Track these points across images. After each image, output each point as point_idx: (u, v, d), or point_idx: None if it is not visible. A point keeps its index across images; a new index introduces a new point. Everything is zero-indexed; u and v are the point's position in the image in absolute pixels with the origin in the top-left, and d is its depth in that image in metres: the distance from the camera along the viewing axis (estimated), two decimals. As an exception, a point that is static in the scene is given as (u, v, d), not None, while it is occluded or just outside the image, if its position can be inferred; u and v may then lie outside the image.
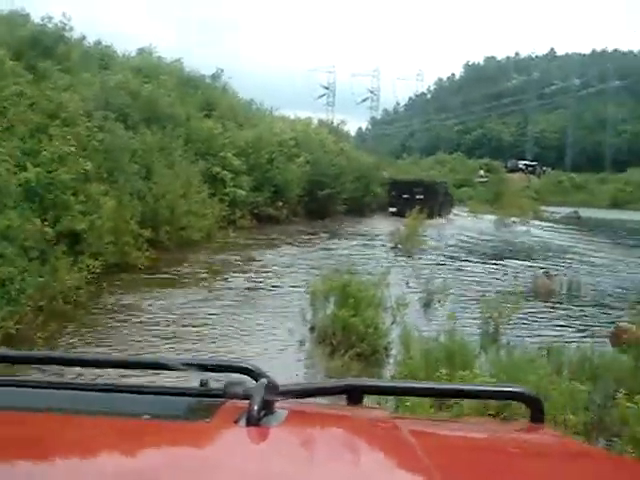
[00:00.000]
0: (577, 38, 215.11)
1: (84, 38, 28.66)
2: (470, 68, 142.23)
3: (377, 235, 28.39)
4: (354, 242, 25.94)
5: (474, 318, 12.59)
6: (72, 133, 16.70)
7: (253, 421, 1.20)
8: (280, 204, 31.01)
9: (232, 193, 27.24)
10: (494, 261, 22.72)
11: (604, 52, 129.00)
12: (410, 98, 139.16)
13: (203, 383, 1.49)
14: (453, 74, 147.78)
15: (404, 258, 21.42)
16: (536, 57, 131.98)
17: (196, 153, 27.15)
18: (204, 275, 17.08)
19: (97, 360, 1.88)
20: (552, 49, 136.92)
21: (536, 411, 1.52)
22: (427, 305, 14.11)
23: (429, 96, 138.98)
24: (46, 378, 1.53)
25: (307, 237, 27.16)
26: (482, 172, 69.45)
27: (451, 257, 23.51)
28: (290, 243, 24.58)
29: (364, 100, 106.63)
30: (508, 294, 13.46)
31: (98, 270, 14.13)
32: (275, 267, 18.93)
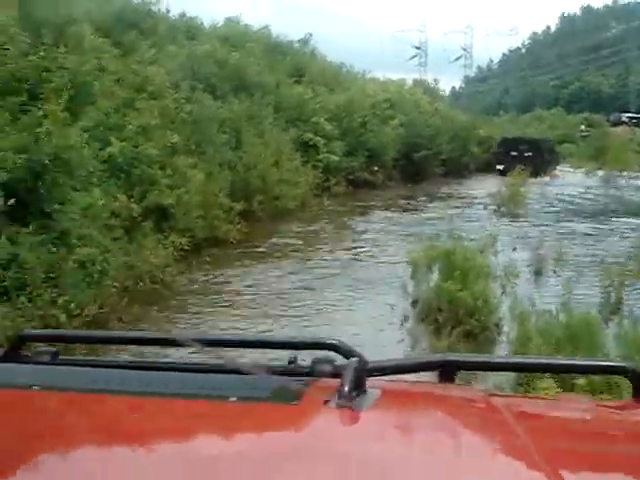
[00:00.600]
0: None
1: (169, 11, 28.07)
2: (566, 19, 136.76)
3: (478, 197, 26.95)
4: (455, 205, 24.61)
5: (592, 286, 11.21)
6: (159, 106, 16.06)
7: (344, 402, 1.12)
8: (375, 168, 29.90)
9: (325, 159, 26.27)
10: (605, 220, 21.16)
11: None
12: (504, 54, 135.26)
13: (291, 361, 1.43)
14: (548, 27, 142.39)
15: (508, 220, 20.08)
16: (637, 3, 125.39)
17: (287, 120, 26.29)
18: (299, 247, 16.25)
19: (171, 339, 1.79)
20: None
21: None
22: (538, 273, 12.79)
23: (523, 51, 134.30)
24: (119, 358, 1.77)
25: (405, 202, 26.01)
26: (583, 127, 66.44)
27: (559, 218, 22.00)
28: (387, 208, 23.49)
29: (457, 59, 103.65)
30: (628, 258, 12.12)
31: (187, 247, 13.42)
32: (373, 235, 17.94)
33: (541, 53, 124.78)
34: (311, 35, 35.12)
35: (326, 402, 1.14)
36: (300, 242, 16.82)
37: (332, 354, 1.37)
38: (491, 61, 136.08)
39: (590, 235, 18.25)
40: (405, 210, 23.19)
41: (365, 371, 1.25)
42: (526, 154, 35.33)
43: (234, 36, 29.73)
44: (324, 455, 1.03)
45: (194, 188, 15.17)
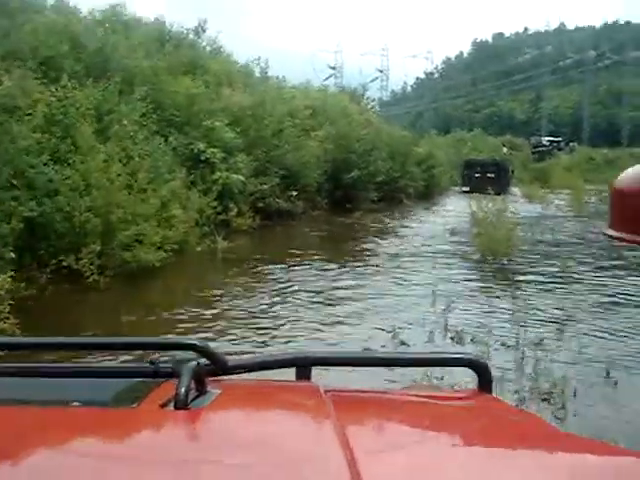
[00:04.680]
0: (587, 11, 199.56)
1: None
2: (478, 45, 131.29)
3: (436, 236, 18.16)
4: (408, 253, 15.70)
5: None
6: None
7: (180, 404, 1.10)
8: (294, 193, 20.84)
9: (223, 180, 17.08)
10: None
11: (616, 24, 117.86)
12: (418, 78, 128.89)
13: (153, 362, 1.32)
14: (461, 52, 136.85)
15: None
16: (546, 32, 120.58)
17: (168, 123, 17.07)
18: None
19: (52, 343, 1.60)
20: (562, 23, 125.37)
21: (483, 378, 1.42)
22: None
23: (437, 75, 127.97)
24: None
25: (336, 247, 16.94)
26: (505, 149, 61.24)
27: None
28: (310, 262, 14.35)
29: (373, 80, 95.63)
30: None
31: None
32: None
33: (455, 78, 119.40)
34: (206, 21, 25.47)
35: (163, 405, 1.12)
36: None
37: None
38: (405, 84, 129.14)
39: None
40: (341, 265, 13.84)
41: (209, 371, 1.23)
42: (489, 175, 34.41)
43: (111, 22, 20.48)
44: (147, 459, 0.95)
45: None
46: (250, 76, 26.16)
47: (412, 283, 11.28)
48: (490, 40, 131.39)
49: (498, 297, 10.31)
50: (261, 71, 27.23)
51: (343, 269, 12.90)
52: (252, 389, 1.41)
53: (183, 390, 1.10)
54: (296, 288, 10.81)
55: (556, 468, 1.01)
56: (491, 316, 8.97)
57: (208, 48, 25.82)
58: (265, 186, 19.28)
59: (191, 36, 25.12)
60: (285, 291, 10.72)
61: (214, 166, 17.21)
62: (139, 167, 12.44)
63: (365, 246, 16.39)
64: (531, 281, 11.85)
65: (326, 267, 12.93)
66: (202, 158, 17.16)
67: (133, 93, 15.08)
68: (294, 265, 13.15)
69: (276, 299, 10.16)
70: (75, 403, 1.15)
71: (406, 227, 20.75)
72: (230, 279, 11.47)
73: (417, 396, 1.48)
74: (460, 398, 1.49)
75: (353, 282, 11.50)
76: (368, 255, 14.97)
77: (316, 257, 14.17)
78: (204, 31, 25.58)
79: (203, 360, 1.26)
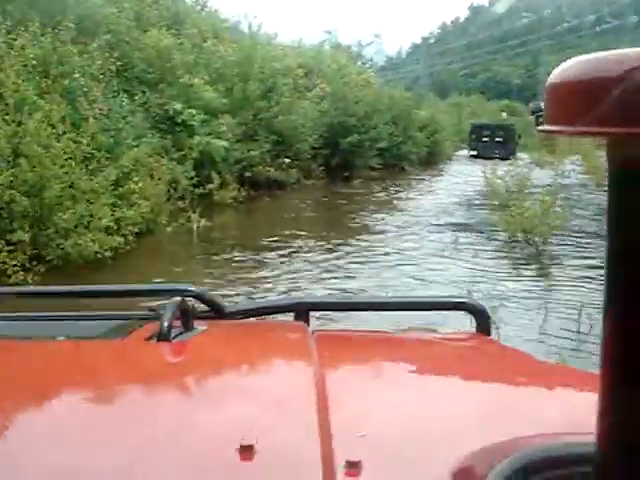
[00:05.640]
0: None
1: None
2: (475, 10, 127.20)
3: (448, 212, 15.50)
4: (412, 233, 13.02)
5: None
6: None
7: (163, 337, 1.12)
8: (286, 161, 18.14)
9: (203, 146, 14.39)
10: None
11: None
12: (413, 43, 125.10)
13: (152, 309, 1.36)
14: (458, 17, 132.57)
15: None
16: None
17: (139, 80, 14.36)
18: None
19: (51, 292, 1.71)
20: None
21: (481, 321, 1.39)
22: None
23: (433, 40, 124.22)
24: None
25: (332, 225, 14.15)
26: (505, 114, 58.49)
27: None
28: (307, 237, 11.73)
29: (369, 44, 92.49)
30: None
31: None
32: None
33: (451, 43, 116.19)
34: None
35: (148, 339, 1.15)
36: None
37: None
38: (401, 50, 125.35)
39: None
40: (339, 252, 11.09)
41: (192, 311, 1.23)
42: (497, 139, 34.54)
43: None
44: (126, 385, 1.00)
45: None
46: (238, 33, 23.27)
47: (432, 280, 8.64)
48: (487, 4, 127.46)
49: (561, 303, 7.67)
50: (250, 27, 24.23)
51: (340, 258, 10.25)
52: (238, 328, 1.42)
53: (166, 324, 1.11)
54: (281, 289, 8.14)
55: (551, 399, 1.01)
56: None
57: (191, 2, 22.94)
58: (254, 152, 16.59)
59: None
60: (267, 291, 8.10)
61: (192, 130, 14.52)
62: (90, 130, 9.71)
63: (366, 222, 13.75)
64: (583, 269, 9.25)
65: (319, 257, 10.29)
66: (178, 120, 14.46)
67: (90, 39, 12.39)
68: (281, 248, 10.58)
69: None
70: (60, 337, 1.19)
71: (413, 199, 18.05)
72: (199, 276, 8.80)
73: (412, 338, 1.49)
74: (458, 340, 1.43)
75: (352, 282, 8.81)
76: (370, 235, 12.31)
77: (309, 239, 11.52)
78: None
79: (202, 307, 1.29)
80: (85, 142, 9.28)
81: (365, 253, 10.56)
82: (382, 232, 12.60)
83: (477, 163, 28.88)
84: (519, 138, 36.74)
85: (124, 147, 11.26)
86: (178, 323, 1.18)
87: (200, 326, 1.22)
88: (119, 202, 9.78)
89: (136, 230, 9.90)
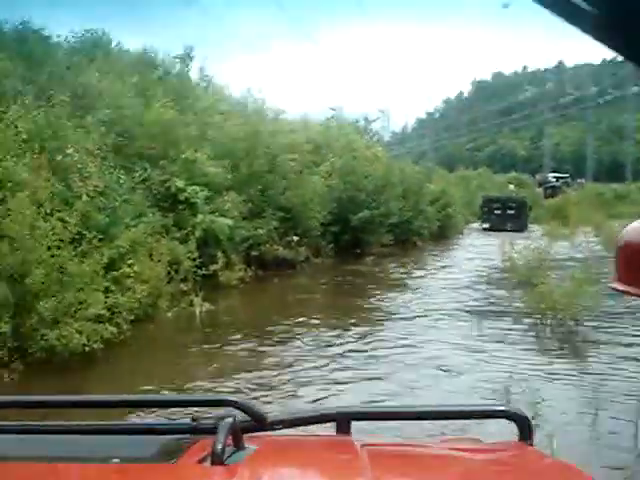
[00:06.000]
0: (586, 49, 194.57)
1: None
2: (478, 85, 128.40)
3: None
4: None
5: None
6: None
7: (217, 460, 1.10)
8: (294, 238, 17.28)
9: (207, 224, 13.56)
10: None
11: (614, 61, 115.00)
12: (418, 119, 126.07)
13: (194, 419, 1.30)
14: (461, 92, 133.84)
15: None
16: (545, 70, 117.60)
17: (139, 155, 13.65)
18: None
19: (85, 401, 1.59)
20: (561, 61, 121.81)
21: (524, 430, 1.34)
22: None
23: (437, 115, 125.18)
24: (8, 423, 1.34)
25: (344, 309, 13.05)
26: (512, 187, 58.28)
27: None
28: (316, 329, 10.70)
29: (375, 120, 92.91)
30: None
31: None
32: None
33: (455, 117, 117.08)
34: (192, 49, 21.79)
35: (201, 461, 1.12)
36: None
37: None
38: (406, 125, 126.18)
39: None
40: (352, 341, 10.08)
41: (248, 427, 1.23)
42: (509, 212, 33.94)
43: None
44: None
45: None
46: (244, 108, 22.72)
47: (458, 371, 7.61)
48: (490, 79, 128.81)
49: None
50: (254, 102, 23.58)
51: (353, 350, 9.21)
52: (288, 445, 1.38)
53: (220, 446, 1.09)
54: (289, 389, 7.11)
55: None
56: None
57: (197, 79, 22.48)
58: (260, 231, 15.75)
59: (178, 66, 21.70)
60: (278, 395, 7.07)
61: (195, 207, 13.71)
62: (81, 208, 8.86)
63: (382, 304, 12.76)
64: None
65: (330, 343, 9.27)
66: (181, 198, 13.67)
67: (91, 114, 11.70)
68: (289, 338, 9.58)
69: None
70: (115, 460, 1.14)
71: (429, 275, 17.10)
72: (202, 373, 7.77)
73: (457, 449, 1.40)
74: (501, 450, 1.39)
75: (368, 379, 7.76)
76: (385, 321, 11.30)
77: (320, 324, 10.54)
78: (191, 59, 22.09)
79: (242, 416, 1.23)
80: (73, 222, 8.39)
81: (376, 338, 9.53)
82: (397, 319, 11.58)
83: (490, 236, 28.11)
84: (530, 210, 36.06)
85: (121, 227, 10.42)
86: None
87: (250, 445, 1.19)
88: (113, 287, 8.86)
89: (132, 317, 8.95)
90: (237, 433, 1.17)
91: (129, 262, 9.42)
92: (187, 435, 1.27)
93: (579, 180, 70.34)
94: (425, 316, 11.39)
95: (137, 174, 12.46)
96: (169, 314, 10.51)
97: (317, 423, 1.42)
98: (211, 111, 18.30)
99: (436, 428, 3.82)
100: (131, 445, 1.25)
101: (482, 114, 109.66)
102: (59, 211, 8.68)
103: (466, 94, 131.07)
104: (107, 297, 8.58)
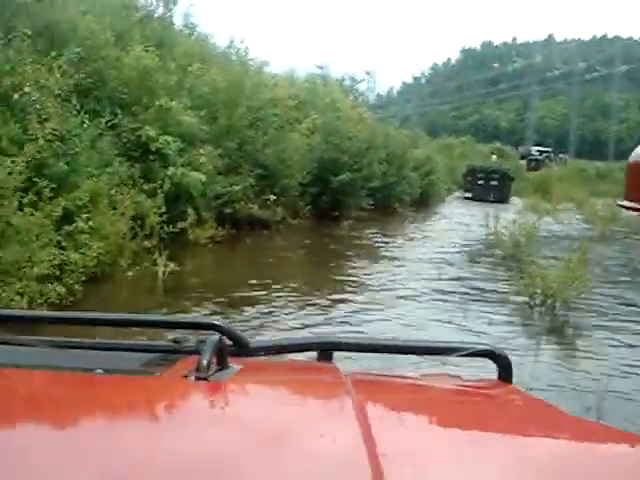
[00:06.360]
0: (576, 24, 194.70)
1: None
2: (466, 52, 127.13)
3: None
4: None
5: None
6: None
7: (201, 375, 1.08)
8: (272, 197, 16.38)
9: (178, 177, 12.63)
10: None
11: (604, 38, 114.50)
12: (404, 82, 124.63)
13: (176, 341, 1.30)
14: (449, 59, 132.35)
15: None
16: (534, 42, 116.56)
17: (111, 100, 12.61)
18: None
19: (72, 318, 1.63)
20: (551, 35, 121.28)
21: (504, 369, 1.33)
22: None
23: (424, 81, 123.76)
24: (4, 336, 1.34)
25: (318, 276, 12.23)
26: (495, 157, 56.98)
27: None
28: (285, 295, 9.86)
29: (360, 81, 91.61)
30: None
31: None
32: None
33: (441, 84, 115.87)
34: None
35: (185, 376, 1.11)
36: None
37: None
38: (391, 89, 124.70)
39: None
40: (320, 312, 9.28)
41: (231, 349, 1.22)
42: (492, 183, 33.73)
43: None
44: (167, 423, 0.98)
45: None
46: (228, 58, 21.57)
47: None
48: (479, 48, 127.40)
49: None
50: (238, 52, 22.34)
51: (323, 320, 8.42)
52: (273, 366, 1.42)
53: (205, 362, 1.08)
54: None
55: (577, 458, 0.97)
56: None
57: (180, 25, 21.22)
58: (236, 187, 14.82)
59: (160, 9, 20.41)
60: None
61: (167, 159, 12.75)
62: (30, 152, 7.90)
63: (355, 277, 11.89)
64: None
65: (300, 320, 8.45)
66: (152, 148, 12.69)
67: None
68: (261, 302, 8.76)
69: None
70: (99, 370, 1.15)
71: (408, 244, 16.32)
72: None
73: (438, 383, 1.42)
74: (482, 387, 1.37)
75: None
76: (357, 292, 10.49)
77: (290, 291, 9.71)
78: (175, 2, 20.80)
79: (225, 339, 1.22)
80: (19, 168, 7.43)
81: (346, 314, 8.75)
82: (377, 289, 10.78)
83: (472, 206, 27.43)
84: (512, 182, 35.68)
85: (83, 176, 9.47)
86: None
87: (234, 364, 1.17)
88: (65, 243, 7.95)
89: (84, 278, 8.06)
90: (222, 352, 1.14)
91: (85, 216, 8.48)
92: (171, 354, 1.25)
93: (561, 155, 69.61)
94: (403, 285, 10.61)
95: (105, 119, 11.42)
96: (129, 273, 9.61)
97: (300, 351, 1.40)
98: (191, 58, 17.21)
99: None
100: (114, 360, 1.23)
101: (468, 82, 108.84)
102: (10, 155, 7.73)
103: (454, 61, 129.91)
104: (57, 255, 7.68)
